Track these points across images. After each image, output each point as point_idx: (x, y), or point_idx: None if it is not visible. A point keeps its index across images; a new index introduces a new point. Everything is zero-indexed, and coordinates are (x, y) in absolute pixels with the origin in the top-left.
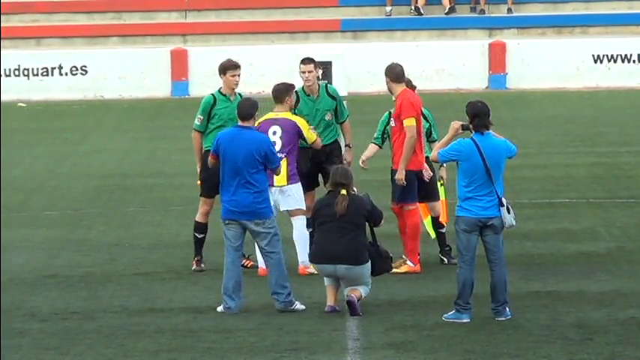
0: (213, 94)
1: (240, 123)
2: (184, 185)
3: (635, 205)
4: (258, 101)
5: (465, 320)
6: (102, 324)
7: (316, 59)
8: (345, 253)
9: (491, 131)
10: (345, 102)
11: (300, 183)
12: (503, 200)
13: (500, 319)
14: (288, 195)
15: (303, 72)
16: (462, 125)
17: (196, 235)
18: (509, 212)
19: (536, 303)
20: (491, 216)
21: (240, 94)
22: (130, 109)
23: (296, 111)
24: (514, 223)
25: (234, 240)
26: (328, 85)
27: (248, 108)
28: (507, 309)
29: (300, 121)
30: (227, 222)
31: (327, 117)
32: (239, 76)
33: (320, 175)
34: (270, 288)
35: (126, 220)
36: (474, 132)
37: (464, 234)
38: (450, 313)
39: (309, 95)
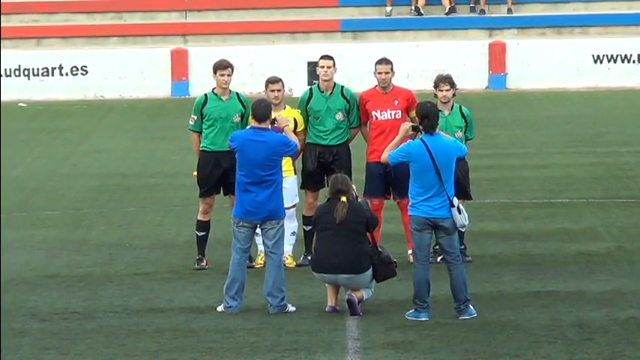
0: (205, 94)
1: (256, 124)
2: (184, 185)
3: (635, 205)
4: (271, 103)
5: (422, 319)
6: (102, 324)
7: (316, 59)
8: (346, 262)
9: (441, 132)
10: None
11: (295, 177)
12: (454, 201)
13: (464, 317)
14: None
15: (322, 67)
16: (413, 126)
17: (196, 233)
18: (460, 213)
19: (536, 303)
20: (441, 217)
21: (237, 94)
22: (130, 109)
23: (308, 107)
24: (466, 223)
25: (244, 242)
26: (345, 87)
27: (264, 109)
28: (471, 307)
29: (293, 114)
30: (240, 223)
31: (339, 117)
32: (229, 75)
33: (326, 176)
34: (266, 288)
35: (126, 220)
36: (423, 133)
37: (416, 233)
38: (410, 312)
39: (322, 92)
